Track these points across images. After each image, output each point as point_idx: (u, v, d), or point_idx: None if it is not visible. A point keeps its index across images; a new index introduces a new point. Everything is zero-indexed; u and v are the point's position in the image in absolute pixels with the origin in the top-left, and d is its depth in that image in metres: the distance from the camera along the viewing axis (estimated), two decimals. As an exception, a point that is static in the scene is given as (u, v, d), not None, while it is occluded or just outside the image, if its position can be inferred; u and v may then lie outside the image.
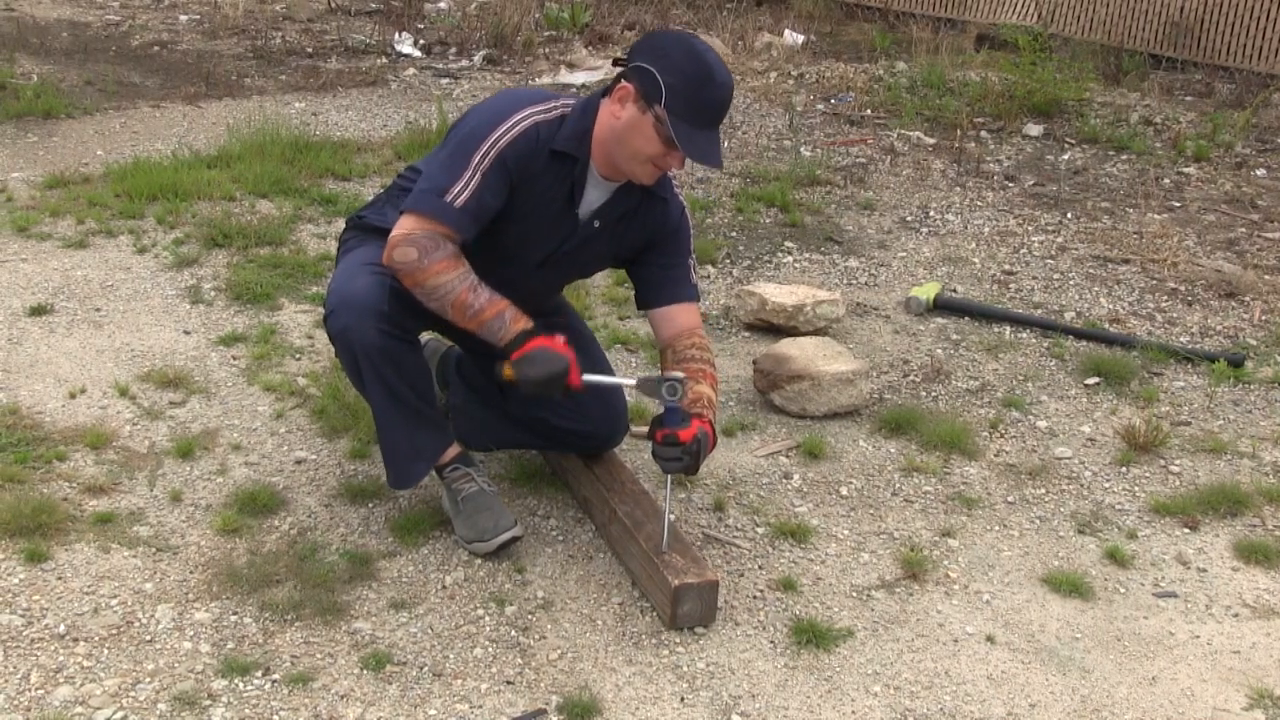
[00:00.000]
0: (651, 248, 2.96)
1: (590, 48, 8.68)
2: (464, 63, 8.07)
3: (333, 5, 9.51)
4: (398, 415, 2.88)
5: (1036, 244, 5.36)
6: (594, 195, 2.85)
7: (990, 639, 2.79)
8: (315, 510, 3.09)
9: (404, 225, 2.73)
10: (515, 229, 2.82)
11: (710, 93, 2.66)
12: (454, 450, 3.01)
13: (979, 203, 5.87)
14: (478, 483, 2.98)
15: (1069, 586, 2.99)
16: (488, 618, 2.74)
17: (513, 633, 2.70)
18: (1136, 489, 3.47)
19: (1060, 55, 8.05)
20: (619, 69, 2.77)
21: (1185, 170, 6.51)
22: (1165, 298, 4.86)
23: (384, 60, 8.04)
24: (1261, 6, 8.49)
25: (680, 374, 2.76)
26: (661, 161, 2.73)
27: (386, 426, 2.90)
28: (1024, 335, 4.44)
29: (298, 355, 3.89)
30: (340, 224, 4.93)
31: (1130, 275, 5.06)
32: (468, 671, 2.57)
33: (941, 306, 4.59)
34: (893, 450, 3.59)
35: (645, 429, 3.36)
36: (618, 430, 3.15)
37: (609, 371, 3.17)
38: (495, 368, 2.75)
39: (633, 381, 2.82)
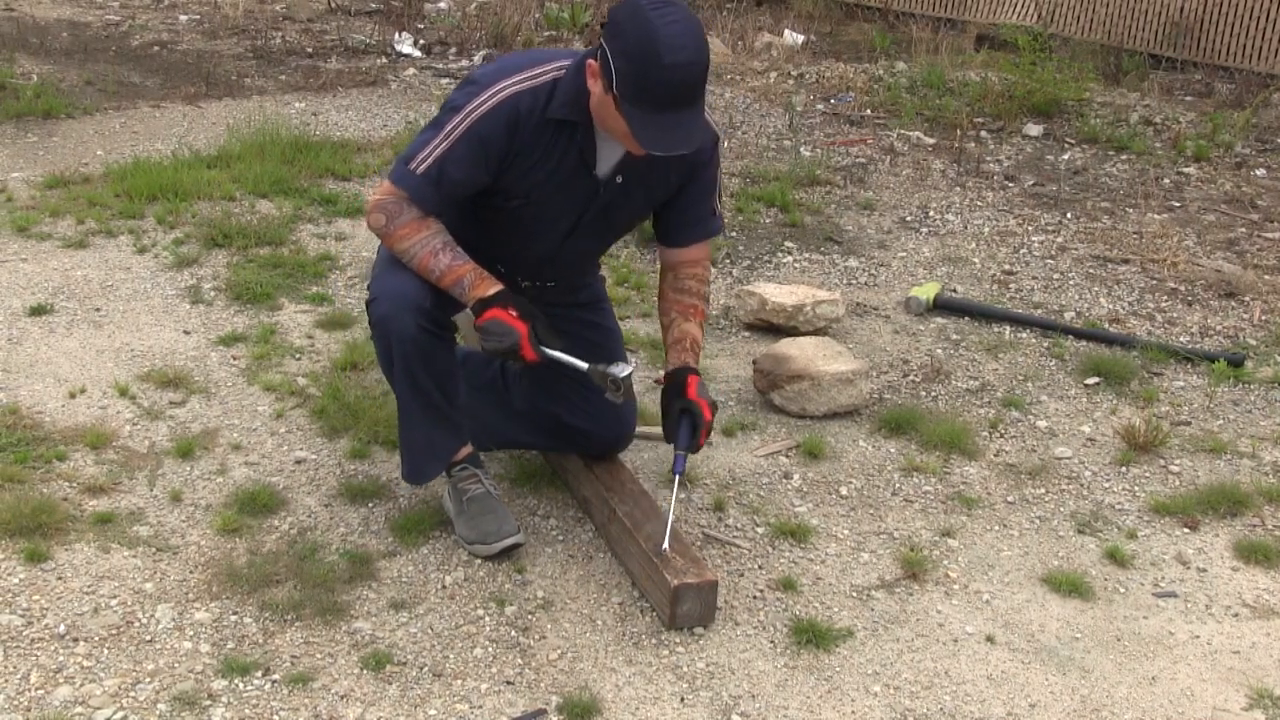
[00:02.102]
0: (683, 188, 2.87)
1: (590, 47, 8.67)
2: (464, 63, 8.07)
3: (333, 5, 9.51)
4: (419, 410, 2.89)
5: (1036, 244, 5.36)
6: (609, 152, 2.75)
7: (990, 639, 2.79)
8: (315, 510, 3.09)
9: (379, 191, 2.77)
10: (528, 202, 2.79)
11: (659, 75, 2.47)
12: (465, 450, 3.01)
13: (979, 203, 5.87)
14: (484, 485, 2.98)
15: (1069, 586, 2.99)
16: (488, 618, 2.74)
17: (513, 633, 2.70)
18: (1136, 489, 3.47)
19: (1060, 55, 8.04)
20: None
21: (1185, 170, 6.51)
22: (1165, 298, 4.86)
23: (384, 60, 8.04)
24: (1261, 6, 8.49)
25: (629, 368, 2.79)
26: None
27: (407, 420, 2.92)
28: (1024, 335, 4.44)
29: (298, 355, 3.89)
30: (340, 224, 4.94)
31: (1130, 275, 5.07)
32: (468, 671, 2.58)
33: (941, 306, 4.59)
34: (893, 450, 3.59)
35: (646, 429, 3.37)
36: (624, 435, 3.15)
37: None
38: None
39: (584, 366, 2.81)
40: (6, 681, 2.45)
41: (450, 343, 2.91)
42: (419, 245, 2.72)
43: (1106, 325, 4.56)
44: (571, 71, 2.70)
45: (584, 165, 2.76)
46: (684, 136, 2.55)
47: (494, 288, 2.73)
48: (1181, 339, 4.49)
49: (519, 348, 2.70)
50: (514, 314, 2.71)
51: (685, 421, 2.80)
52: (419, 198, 2.71)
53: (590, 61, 2.62)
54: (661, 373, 3.01)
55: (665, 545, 2.76)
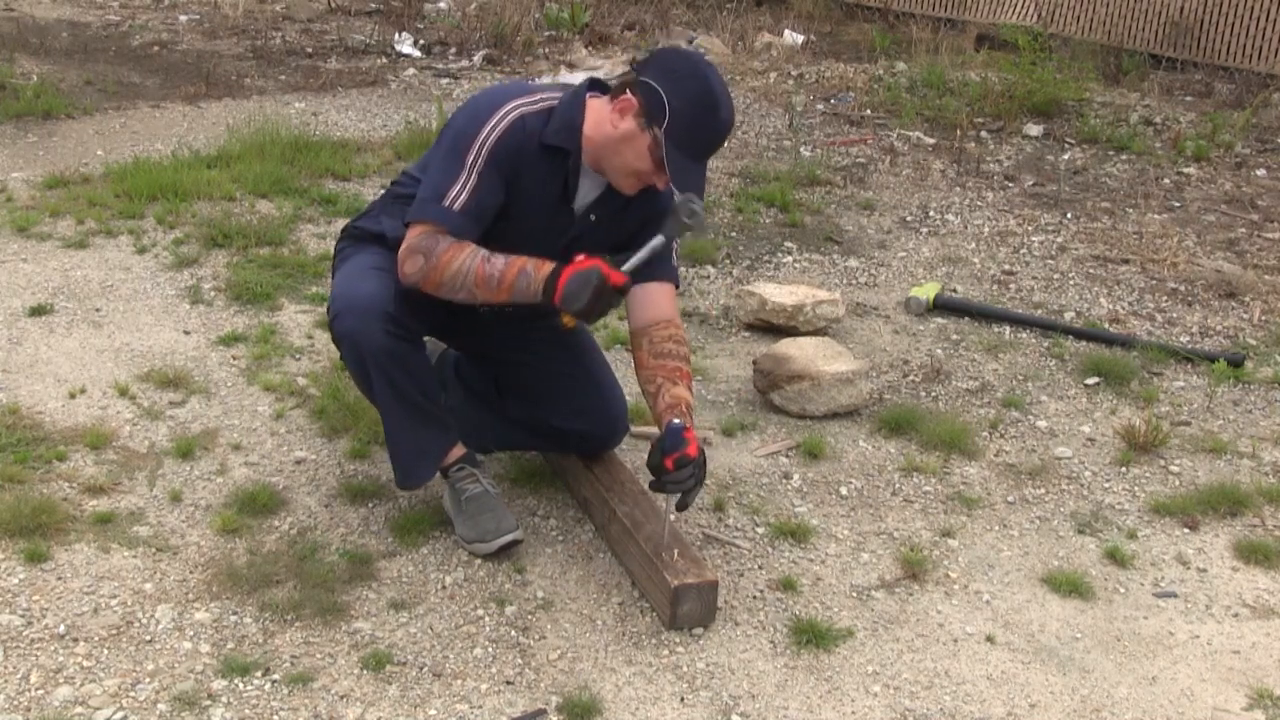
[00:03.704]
0: (642, 232, 2.89)
1: (590, 48, 8.68)
2: (464, 63, 8.07)
3: (333, 5, 9.51)
4: (404, 416, 2.88)
5: (1036, 244, 5.36)
6: (587, 188, 2.84)
7: (990, 639, 2.79)
8: (315, 510, 3.09)
9: (409, 238, 2.75)
10: (513, 225, 2.82)
11: (712, 127, 2.68)
12: (459, 450, 3.01)
13: (979, 203, 5.87)
14: (482, 484, 2.98)
15: (1069, 586, 2.99)
16: (488, 618, 2.74)
17: (513, 633, 2.70)
18: (1136, 489, 3.47)
19: (1060, 55, 8.05)
20: (626, 76, 2.76)
21: (1185, 170, 6.51)
22: (1165, 298, 4.86)
23: (384, 60, 8.04)
24: (1261, 6, 8.49)
25: (693, 195, 2.73)
26: (647, 178, 2.74)
27: (394, 427, 2.91)
28: (1024, 335, 4.44)
29: (298, 355, 3.89)
30: (340, 224, 4.93)
31: (1130, 275, 5.07)
32: (468, 671, 2.58)
33: (941, 306, 4.59)
34: (893, 450, 3.59)
35: (644, 429, 3.37)
36: (617, 430, 3.15)
37: (609, 373, 3.16)
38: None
39: (661, 238, 2.75)
40: (6, 681, 2.45)
41: (420, 344, 2.91)
42: (469, 260, 2.70)
43: (1106, 325, 4.56)
44: (566, 103, 2.79)
45: (564, 195, 2.82)
46: (697, 180, 2.74)
47: (552, 262, 2.70)
48: (1181, 339, 4.49)
49: (606, 279, 2.63)
50: (580, 258, 2.67)
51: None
52: (464, 233, 2.72)
53: (629, 97, 2.69)
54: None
55: (664, 540, 2.76)
